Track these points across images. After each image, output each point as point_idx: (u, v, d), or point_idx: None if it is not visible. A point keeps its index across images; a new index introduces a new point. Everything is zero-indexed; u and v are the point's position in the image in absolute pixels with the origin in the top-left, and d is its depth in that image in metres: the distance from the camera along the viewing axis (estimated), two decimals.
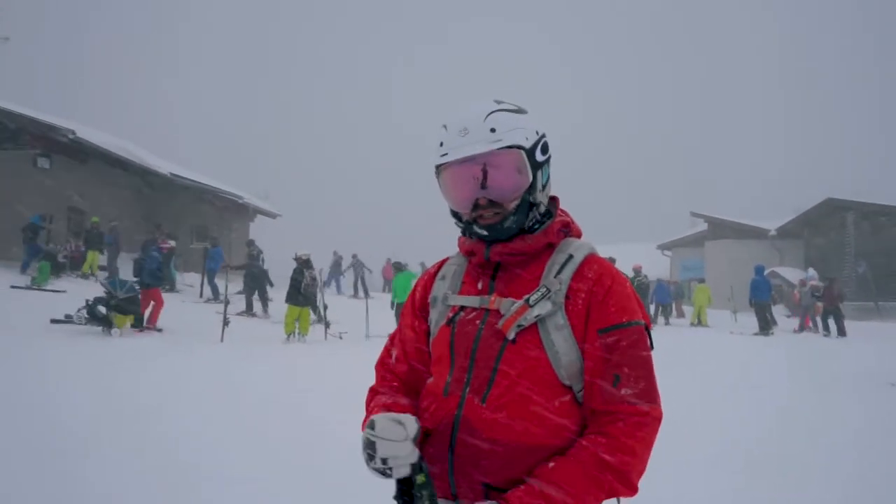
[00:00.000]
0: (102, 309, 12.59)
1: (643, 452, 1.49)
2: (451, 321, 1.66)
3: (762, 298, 18.71)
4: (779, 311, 23.39)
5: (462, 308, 1.66)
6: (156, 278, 14.29)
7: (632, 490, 1.49)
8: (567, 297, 1.56)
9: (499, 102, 1.65)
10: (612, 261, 1.74)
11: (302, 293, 14.27)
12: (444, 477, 1.56)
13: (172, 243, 19.53)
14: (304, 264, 14.73)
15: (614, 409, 1.49)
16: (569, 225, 1.71)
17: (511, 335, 1.54)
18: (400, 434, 1.46)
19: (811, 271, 24.61)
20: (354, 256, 28.82)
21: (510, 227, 1.61)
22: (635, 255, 29.49)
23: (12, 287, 15.56)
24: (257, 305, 18.20)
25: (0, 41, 24.75)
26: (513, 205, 1.61)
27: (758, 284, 19.01)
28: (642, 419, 1.49)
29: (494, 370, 1.55)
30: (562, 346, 1.53)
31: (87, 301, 12.85)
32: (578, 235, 1.72)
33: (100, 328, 12.45)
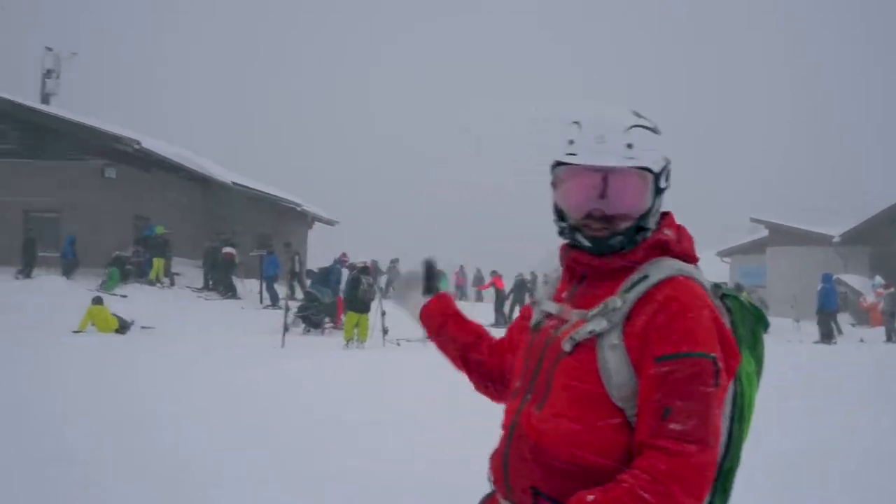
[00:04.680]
0: (313, 315, 15.62)
1: (685, 499, 1.35)
2: (535, 326, 1.67)
3: (830, 307, 18.36)
4: (844, 319, 22.67)
5: (548, 315, 1.65)
6: (339, 287, 16.51)
7: None
8: (628, 318, 1.47)
9: (637, 116, 1.59)
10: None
11: (360, 299, 14.49)
12: (500, 478, 1.59)
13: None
14: (361, 271, 14.99)
15: (660, 445, 1.38)
16: (667, 243, 1.58)
17: (567, 347, 1.52)
18: None
19: (878, 279, 23.83)
20: (391, 261, 29.12)
21: (613, 245, 1.56)
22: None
23: (88, 290, 17.13)
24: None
25: (68, 56, 25.50)
26: (624, 225, 1.55)
27: (826, 293, 18.65)
28: (686, 461, 1.36)
29: (550, 380, 1.54)
30: (614, 365, 1.46)
31: (297, 307, 15.81)
32: (682, 255, 1.59)
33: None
